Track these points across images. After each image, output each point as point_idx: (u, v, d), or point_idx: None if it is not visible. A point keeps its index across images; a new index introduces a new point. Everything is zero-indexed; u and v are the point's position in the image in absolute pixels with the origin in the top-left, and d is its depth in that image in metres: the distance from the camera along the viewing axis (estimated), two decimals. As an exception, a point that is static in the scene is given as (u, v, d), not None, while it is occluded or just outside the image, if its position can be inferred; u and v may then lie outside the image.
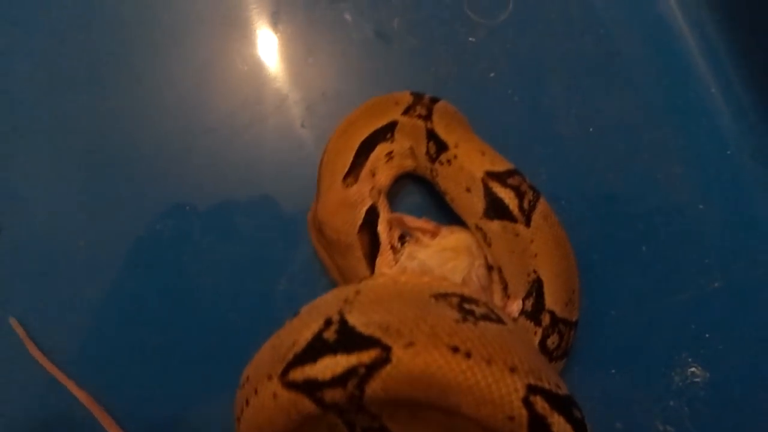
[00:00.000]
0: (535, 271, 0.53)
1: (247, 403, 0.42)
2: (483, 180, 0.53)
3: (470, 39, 0.67)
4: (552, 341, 0.53)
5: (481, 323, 0.41)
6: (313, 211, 0.59)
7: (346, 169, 0.56)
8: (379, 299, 0.42)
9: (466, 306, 0.43)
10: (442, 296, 0.43)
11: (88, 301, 0.63)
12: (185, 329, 0.63)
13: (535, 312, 0.53)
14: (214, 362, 0.62)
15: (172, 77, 0.67)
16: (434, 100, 0.58)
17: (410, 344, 0.38)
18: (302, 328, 0.41)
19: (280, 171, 0.65)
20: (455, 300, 0.43)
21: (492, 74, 0.66)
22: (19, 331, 0.62)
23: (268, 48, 0.68)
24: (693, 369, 0.60)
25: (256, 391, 0.42)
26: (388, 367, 0.38)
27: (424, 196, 0.63)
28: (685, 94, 0.66)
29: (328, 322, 0.40)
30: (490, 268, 0.56)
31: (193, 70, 0.67)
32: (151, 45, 0.68)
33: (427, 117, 0.56)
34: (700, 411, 0.60)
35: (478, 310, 0.43)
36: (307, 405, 0.39)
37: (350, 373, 0.38)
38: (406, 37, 0.67)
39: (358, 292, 0.44)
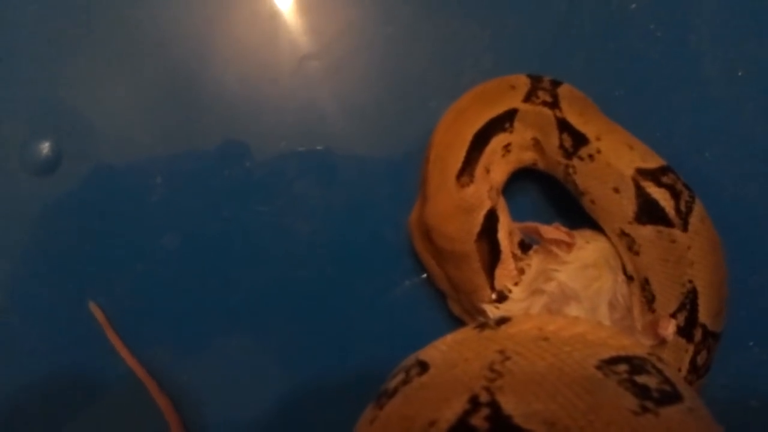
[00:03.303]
0: (690, 282, 0.46)
1: None
2: (634, 179, 0.45)
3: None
4: (701, 358, 0.47)
5: (662, 412, 0.33)
6: (417, 213, 0.52)
7: (459, 166, 0.48)
8: (534, 372, 0.35)
9: (638, 380, 0.35)
10: (608, 366, 0.36)
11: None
12: (274, 293, 0.57)
13: (687, 327, 0.47)
14: (312, 333, 0.57)
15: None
16: (556, 83, 0.50)
17: None
18: (441, 404, 0.34)
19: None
20: (624, 372, 0.35)
21: (633, 5, 0.57)
22: (99, 315, 0.57)
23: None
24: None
25: None
26: None
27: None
28: None
29: (474, 402, 0.33)
30: (629, 278, 0.49)
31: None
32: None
33: (554, 104, 0.49)
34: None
35: (653, 385, 0.35)
36: None
37: None
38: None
39: (504, 354, 0.36)
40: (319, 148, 0.57)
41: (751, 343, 0.54)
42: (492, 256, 0.48)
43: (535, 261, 0.48)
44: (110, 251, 0.58)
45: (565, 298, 0.45)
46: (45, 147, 0.58)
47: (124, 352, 0.56)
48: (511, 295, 0.47)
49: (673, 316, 0.47)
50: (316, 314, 0.57)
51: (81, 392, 0.57)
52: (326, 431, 0.56)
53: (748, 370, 0.54)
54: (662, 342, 0.46)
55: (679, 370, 0.47)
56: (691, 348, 0.47)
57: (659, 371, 0.37)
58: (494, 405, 0.32)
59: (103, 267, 0.58)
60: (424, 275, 0.56)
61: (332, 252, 0.57)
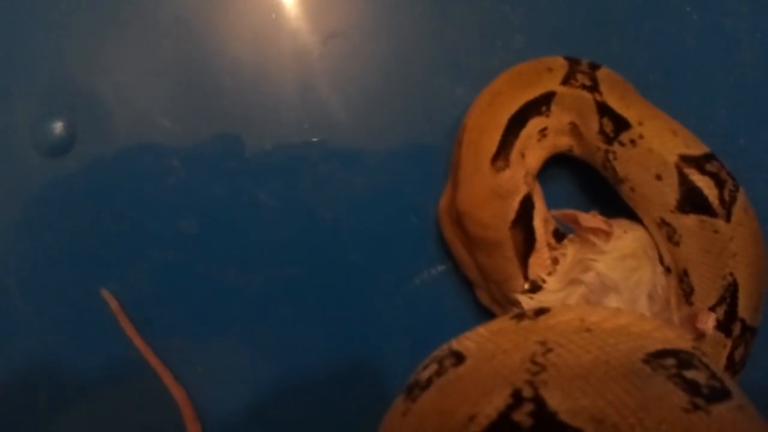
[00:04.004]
0: (731, 274, 0.45)
1: None
2: (677, 165, 0.44)
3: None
4: (738, 354, 0.46)
5: (713, 409, 0.32)
6: (448, 199, 0.50)
7: (494, 150, 0.47)
8: (579, 366, 0.33)
9: (687, 375, 0.33)
10: (655, 359, 0.34)
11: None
12: (295, 280, 0.55)
13: (726, 322, 0.45)
14: (333, 321, 0.55)
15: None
16: (594, 66, 0.48)
17: None
18: (481, 398, 0.32)
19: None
20: (673, 366, 0.34)
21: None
22: (112, 303, 0.55)
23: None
24: None
25: None
26: None
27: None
28: None
29: (517, 397, 0.31)
30: (667, 270, 0.47)
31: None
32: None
33: (593, 87, 0.47)
34: None
35: (702, 381, 0.33)
36: None
37: None
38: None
39: (545, 346, 0.34)
40: (343, 131, 0.55)
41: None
42: (526, 244, 0.47)
43: (570, 250, 0.46)
44: (124, 236, 0.56)
45: (605, 288, 0.43)
46: (58, 127, 0.56)
47: (137, 341, 0.55)
48: (545, 286, 0.46)
49: (712, 309, 0.45)
50: (338, 302, 0.55)
51: (92, 380, 0.56)
52: (345, 422, 0.54)
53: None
54: (700, 336, 0.45)
55: (716, 366, 0.46)
56: (729, 343, 0.45)
57: (706, 366, 0.35)
58: (539, 400, 0.31)
59: (117, 252, 0.56)
60: (447, 265, 0.54)
61: (355, 239, 0.55)
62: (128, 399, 0.56)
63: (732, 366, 0.46)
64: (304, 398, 0.55)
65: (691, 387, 0.33)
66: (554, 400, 0.31)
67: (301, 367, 0.55)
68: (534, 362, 0.33)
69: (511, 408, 0.31)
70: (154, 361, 0.54)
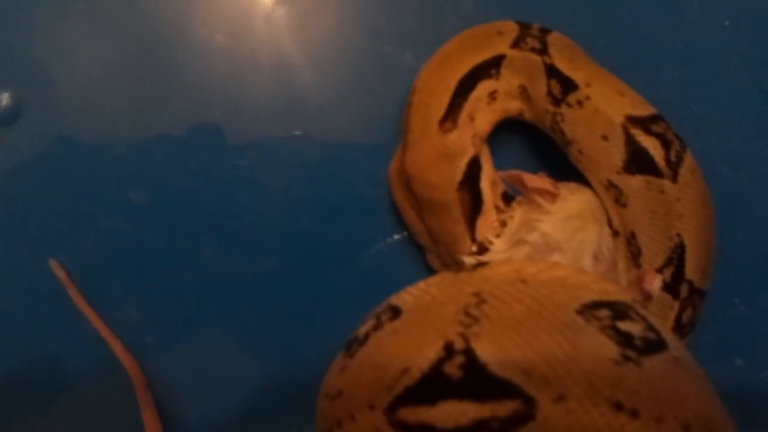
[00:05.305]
0: (678, 235, 0.45)
1: (340, 425, 0.34)
2: (623, 126, 0.44)
3: None
4: (686, 315, 0.46)
5: (646, 361, 0.32)
6: (397, 162, 0.50)
7: (443, 112, 0.46)
8: (511, 317, 0.33)
9: (622, 327, 0.34)
10: (589, 310, 0.34)
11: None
12: (245, 249, 0.55)
13: (673, 283, 0.45)
14: (286, 290, 0.54)
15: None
16: (545, 31, 0.48)
17: (561, 398, 0.30)
18: (414, 351, 0.32)
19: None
20: (607, 317, 0.34)
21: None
22: (60, 273, 0.54)
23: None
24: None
25: (353, 417, 0.33)
26: (532, 426, 0.29)
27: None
28: None
29: (449, 349, 0.32)
30: (615, 233, 0.47)
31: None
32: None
33: (543, 50, 0.47)
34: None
35: (637, 333, 0.34)
36: None
37: (480, 426, 0.29)
38: None
39: (479, 297, 0.34)
40: (291, 100, 0.55)
41: (736, 300, 0.53)
42: (474, 206, 0.46)
43: (518, 212, 0.46)
44: (72, 206, 0.55)
45: (548, 248, 0.43)
46: (5, 97, 0.56)
47: (87, 311, 0.54)
48: (492, 247, 0.45)
49: (660, 271, 0.45)
50: (290, 270, 0.54)
51: (41, 353, 0.55)
52: (292, 384, 0.54)
53: (734, 328, 0.53)
54: (647, 297, 0.45)
55: (664, 327, 0.46)
56: (676, 305, 0.45)
57: (643, 318, 0.36)
58: (469, 353, 0.31)
59: (65, 222, 0.55)
60: (402, 234, 0.54)
61: (307, 206, 0.54)
62: (78, 369, 0.54)
63: (680, 327, 0.46)
64: (254, 360, 0.54)
65: (624, 339, 0.33)
66: (485, 353, 0.31)
67: (252, 330, 0.54)
68: (467, 314, 0.33)
69: (442, 360, 0.31)
70: (104, 331, 0.53)
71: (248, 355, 0.54)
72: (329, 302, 0.54)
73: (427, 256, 0.52)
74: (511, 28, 0.48)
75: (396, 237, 0.54)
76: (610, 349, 0.32)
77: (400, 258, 0.54)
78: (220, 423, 0.53)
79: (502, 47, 0.47)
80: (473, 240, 0.46)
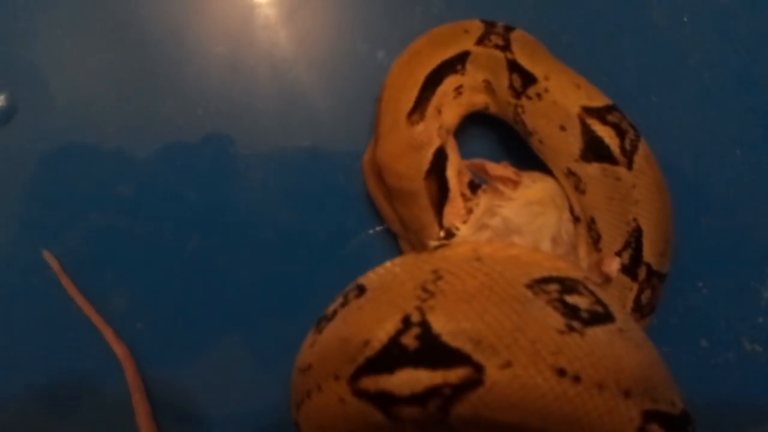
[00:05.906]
0: (635, 220, 0.47)
1: (309, 395, 0.37)
2: (580, 116, 0.46)
3: None
4: (645, 297, 0.48)
5: (589, 331, 0.34)
6: (370, 154, 0.52)
7: (411, 105, 0.49)
8: (464, 292, 0.35)
9: (569, 300, 0.36)
10: (539, 285, 0.36)
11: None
12: (228, 241, 0.57)
13: (631, 266, 0.47)
14: (266, 281, 0.57)
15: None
16: (509, 29, 0.51)
17: (507, 364, 0.32)
18: (375, 324, 0.35)
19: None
20: (555, 291, 0.36)
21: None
22: (53, 264, 0.56)
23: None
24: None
25: (320, 388, 0.36)
26: (480, 391, 0.32)
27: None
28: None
29: (406, 322, 0.34)
30: (576, 219, 0.49)
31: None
32: None
33: (505, 47, 0.49)
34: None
35: (583, 306, 0.36)
36: (378, 418, 0.33)
37: (433, 392, 0.32)
38: None
39: (437, 274, 0.37)
40: (269, 94, 0.57)
41: (700, 284, 0.55)
42: (441, 194, 0.49)
43: (483, 200, 0.48)
44: (64, 201, 0.57)
45: (508, 232, 0.45)
46: (0, 99, 0.58)
47: (79, 299, 0.56)
48: (458, 233, 0.47)
49: (618, 254, 0.48)
50: (273, 261, 0.57)
51: (36, 341, 0.57)
52: (269, 373, 0.56)
53: (698, 311, 0.55)
54: (607, 280, 0.47)
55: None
56: (635, 286, 0.47)
57: (592, 293, 0.38)
58: (424, 324, 0.33)
59: (57, 216, 0.57)
60: (383, 226, 0.56)
61: (284, 198, 0.57)
62: (71, 357, 0.57)
63: (639, 309, 0.48)
64: (239, 344, 0.56)
65: (570, 310, 0.35)
66: (438, 324, 0.33)
67: (237, 317, 0.56)
68: (424, 289, 0.35)
69: (400, 332, 0.33)
70: (95, 319, 0.55)
71: (233, 340, 0.56)
72: (311, 290, 0.56)
73: (400, 242, 0.54)
74: (477, 27, 0.51)
75: (378, 228, 0.56)
76: (556, 319, 0.34)
77: (380, 248, 0.57)
78: (206, 405, 0.56)
79: (468, 44, 0.50)
80: (441, 226, 0.49)
